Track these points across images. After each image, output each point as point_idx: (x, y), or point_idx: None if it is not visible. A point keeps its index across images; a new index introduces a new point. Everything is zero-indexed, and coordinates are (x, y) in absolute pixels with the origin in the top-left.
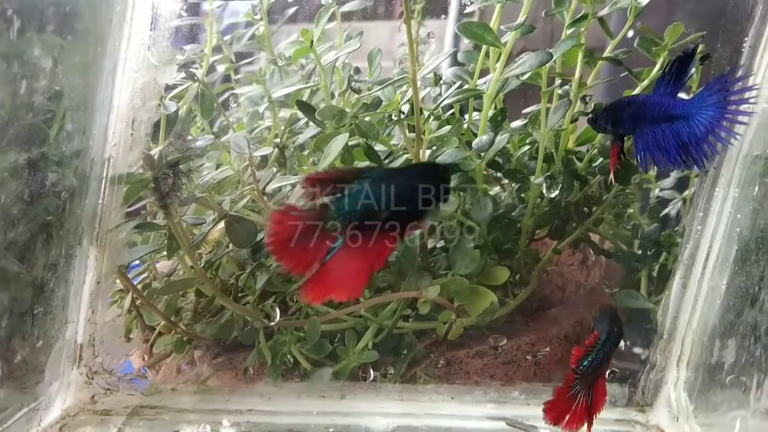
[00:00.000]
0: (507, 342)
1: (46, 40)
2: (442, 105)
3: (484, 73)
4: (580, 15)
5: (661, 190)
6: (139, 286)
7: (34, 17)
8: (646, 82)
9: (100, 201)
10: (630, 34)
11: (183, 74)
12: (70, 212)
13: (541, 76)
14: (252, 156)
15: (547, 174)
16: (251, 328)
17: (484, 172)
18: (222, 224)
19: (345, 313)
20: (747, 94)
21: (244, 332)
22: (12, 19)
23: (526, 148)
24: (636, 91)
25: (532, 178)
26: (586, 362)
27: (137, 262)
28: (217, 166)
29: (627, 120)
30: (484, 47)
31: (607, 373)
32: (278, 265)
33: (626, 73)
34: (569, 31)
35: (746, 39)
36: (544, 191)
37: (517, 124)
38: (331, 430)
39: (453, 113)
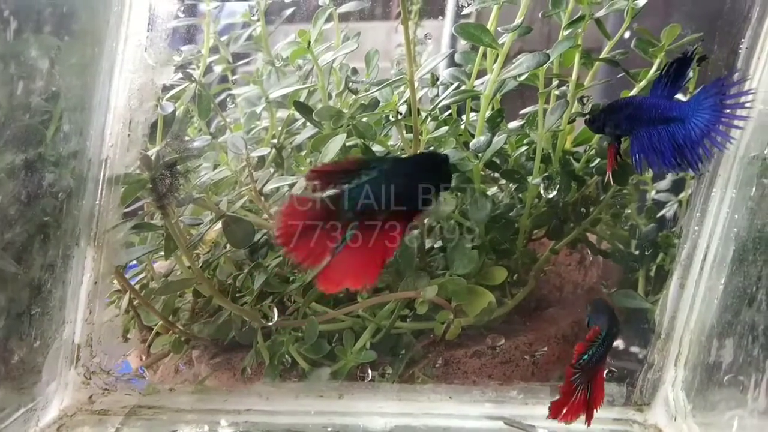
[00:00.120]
0: (505, 342)
1: (43, 41)
2: (439, 106)
3: (481, 74)
4: (577, 16)
5: (657, 192)
6: (137, 287)
7: (31, 18)
8: (643, 83)
9: (97, 202)
10: (627, 35)
11: (180, 75)
12: (67, 213)
13: (538, 77)
14: (249, 156)
15: (545, 174)
16: (249, 328)
17: (482, 173)
18: (219, 224)
19: (343, 313)
20: (743, 99)
21: (241, 332)
22: (9, 20)
23: (524, 148)
24: (633, 93)
25: (529, 179)
26: (586, 356)
27: (135, 262)
28: (215, 167)
29: (624, 121)
30: (481, 48)
31: (605, 372)
32: (278, 264)
33: (623, 74)
34: (566, 33)
35: (743, 40)
36: (542, 192)
37: (514, 124)
38: (329, 429)
39: (450, 114)
